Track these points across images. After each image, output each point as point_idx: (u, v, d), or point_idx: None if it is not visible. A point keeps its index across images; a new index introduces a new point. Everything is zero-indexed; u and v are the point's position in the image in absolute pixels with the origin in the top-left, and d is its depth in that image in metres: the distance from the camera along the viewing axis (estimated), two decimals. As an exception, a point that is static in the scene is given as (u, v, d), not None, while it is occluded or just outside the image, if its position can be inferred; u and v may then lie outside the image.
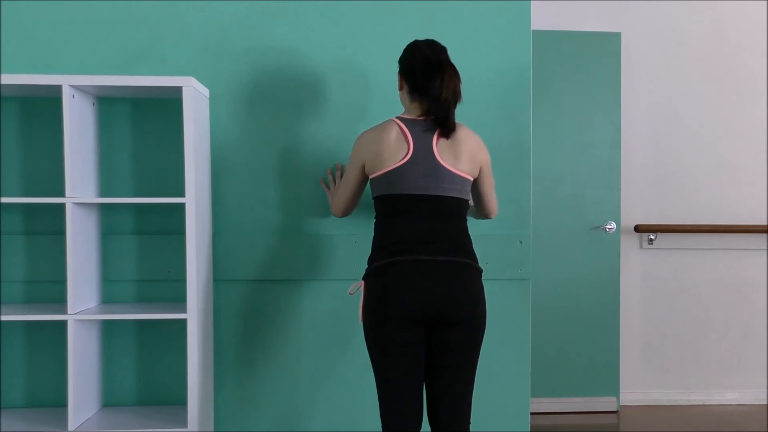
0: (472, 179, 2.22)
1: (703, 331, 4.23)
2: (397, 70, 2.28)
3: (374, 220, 2.27)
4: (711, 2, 4.18)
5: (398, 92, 2.29)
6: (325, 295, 2.67)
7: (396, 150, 2.14)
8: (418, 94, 2.18)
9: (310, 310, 2.68)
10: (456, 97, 2.14)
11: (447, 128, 2.15)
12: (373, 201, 2.27)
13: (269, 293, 2.66)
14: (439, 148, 2.15)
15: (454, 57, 2.23)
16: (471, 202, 2.38)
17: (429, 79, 2.14)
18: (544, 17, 4.02)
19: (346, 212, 2.42)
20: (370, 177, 2.22)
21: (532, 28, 2.74)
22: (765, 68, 4.20)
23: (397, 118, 2.21)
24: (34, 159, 2.58)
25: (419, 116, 2.19)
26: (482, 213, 2.41)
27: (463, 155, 2.17)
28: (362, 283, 2.20)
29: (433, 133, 2.16)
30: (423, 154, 2.14)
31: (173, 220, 2.59)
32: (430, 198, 2.14)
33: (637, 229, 4.11)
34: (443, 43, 2.25)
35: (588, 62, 4.00)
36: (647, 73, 4.16)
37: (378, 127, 2.22)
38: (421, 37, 2.29)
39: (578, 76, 4.00)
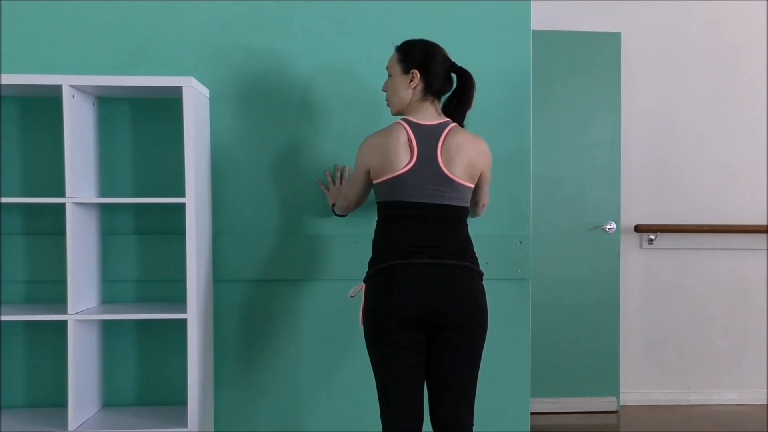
0: (473, 186, 2.22)
1: (703, 331, 4.22)
2: (403, 67, 2.19)
3: (375, 223, 2.26)
4: (711, 2, 4.17)
5: (400, 90, 2.21)
6: (325, 295, 2.67)
7: (401, 156, 2.13)
8: (435, 95, 2.21)
9: (310, 310, 2.68)
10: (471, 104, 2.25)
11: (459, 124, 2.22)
12: (376, 204, 2.26)
13: (269, 293, 2.66)
14: (443, 155, 2.14)
15: (454, 57, 2.23)
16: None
17: (449, 82, 2.21)
18: (544, 17, 4.02)
19: (354, 208, 2.39)
20: (375, 182, 2.20)
21: (532, 28, 2.73)
22: (765, 68, 4.20)
23: (405, 120, 2.17)
24: (34, 159, 2.58)
25: (426, 120, 2.17)
26: (474, 210, 2.38)
27: (465, 163, 2.15)
28: (363, 285, 2.20)
29: (438, 140, 2.14)
30: (427, 162, 2.13)
31: (173, 220, 2.59)
32: (433, 206, 2.14)
33: (637, 229, 4.11)
34: (444, 42, 2.25)
35: (588, 62, 4.00)
36: (647, 73, 4.15)
37: (384, 132, 2.18)
38: (422, 37, 2.27)
39: (578, 76, 4.00)
